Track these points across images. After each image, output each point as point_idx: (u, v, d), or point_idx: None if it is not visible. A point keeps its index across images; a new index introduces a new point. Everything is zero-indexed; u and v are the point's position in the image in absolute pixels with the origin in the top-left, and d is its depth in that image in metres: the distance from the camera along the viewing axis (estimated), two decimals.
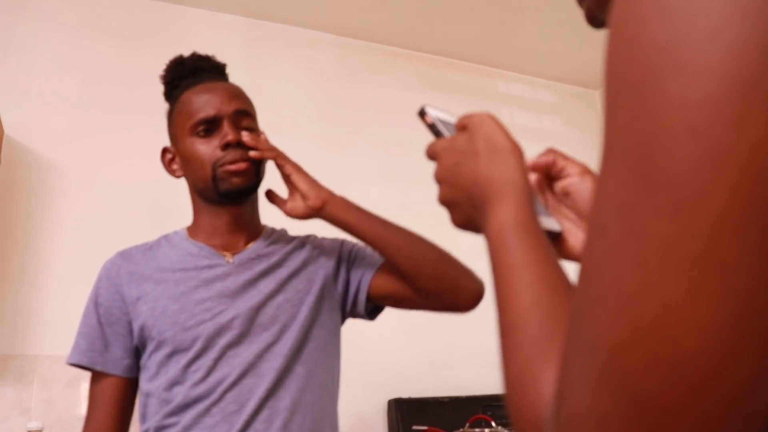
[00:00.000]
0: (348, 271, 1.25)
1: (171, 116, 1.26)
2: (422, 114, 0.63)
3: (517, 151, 0.51)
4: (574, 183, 0.61)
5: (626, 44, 0.27)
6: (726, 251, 0.23)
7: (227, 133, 1.14)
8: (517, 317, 0.39)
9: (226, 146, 1.14)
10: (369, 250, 1.27)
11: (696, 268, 0.24)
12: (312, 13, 2.74)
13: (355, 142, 2.74)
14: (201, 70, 1.25)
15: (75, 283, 2.12)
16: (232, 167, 1.14)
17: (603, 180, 0.28)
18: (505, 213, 0.46)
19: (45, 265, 2.11)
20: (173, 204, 2.29)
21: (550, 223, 0.57)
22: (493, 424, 2.07)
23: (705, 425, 0.24)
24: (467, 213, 0.53)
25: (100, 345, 1.15)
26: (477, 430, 2.02)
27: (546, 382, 0.35)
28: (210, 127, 1.17)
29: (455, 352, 2.54)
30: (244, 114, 1.20)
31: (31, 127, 2.22)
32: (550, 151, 0.63)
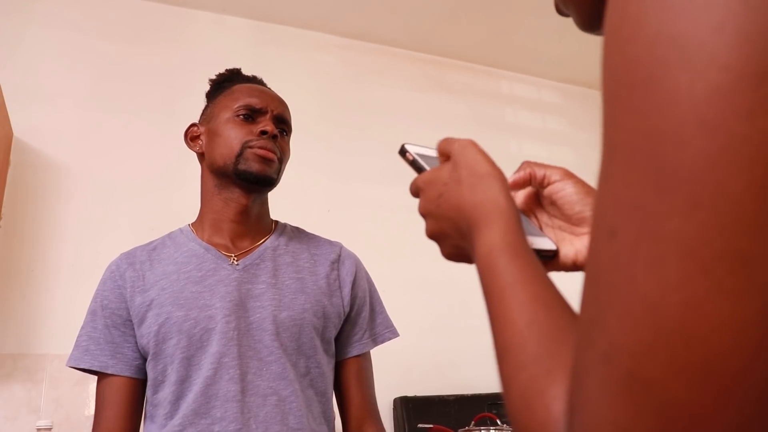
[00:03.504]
0: (348, 317, 1.26)
1: (215, 99, 1.28)
2: (403, 152, 0.64)
3: (500, 176, 0.51)
4: (557, 188, 0.60)
5: (626, 40, 0.27)
6: (748, 246, 0.23)
7: (268, 123, 1.19)
8: (515, 337, 0.38)
9: (262, 133, 1.18)
10: (378, 309, 1.32)
11: (718, 266, 0.23)
12: (318, 16, 2.76)
13: (361, 142, 2.76)
14: (255, 80, 1.31)
15: (82, 283, 2.13)
16: (261, 151, 1.17)
17: (607, 181, 0.27)
18: (492, 236, 0.45)
19: (53, 265, 2.13)
20: (181, 205, 2.31)
21: (544, 242, 0.57)
22: (499, 422, 2.07)
23: (738, 427, 0.23)
24: (456, 243, 0.52)
25: (110, 348, 1.15)
26: (482, 428, 2.03)
27: (554, 399, 0.33)
28: (252, 115, 1.21)
29: (461, 351, 2.55)
30: (284, 122, 1.25)
31: (40, 129, 2.23)
32: (525, 163, 0.62)
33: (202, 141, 1.25)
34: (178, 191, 2.27)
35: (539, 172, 0.61)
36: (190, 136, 1.29)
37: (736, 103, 0.23)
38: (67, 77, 2.34)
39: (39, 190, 2.19)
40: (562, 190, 0.60)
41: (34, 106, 2.24)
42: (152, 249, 1.23)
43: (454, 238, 0.52)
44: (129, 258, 1.21)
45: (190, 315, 1.11)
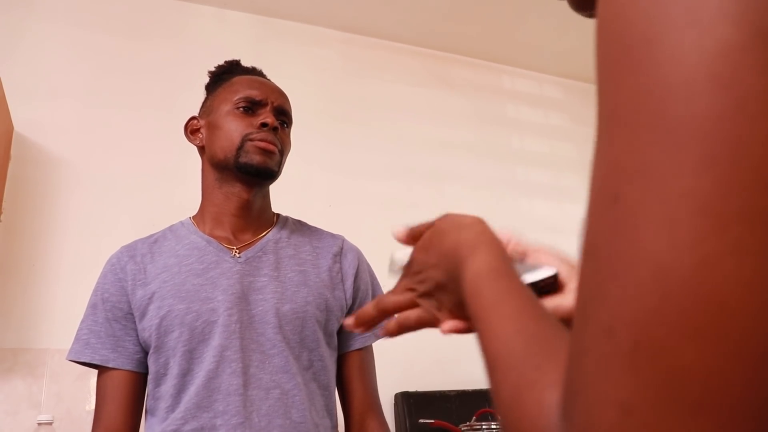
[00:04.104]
0: (350, 310, 1.25)
1: (214, 91, 1.27)
2: (393, 265, 0.65)
3: (483, 221, 0.52)
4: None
5: (623, 4, 0.26)
6: None
7: (268, 116, 1.18)
8: (502, 347, 0.37)
9: (262, 126, 1.17)
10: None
11: (738, 223, 0.22)
12: (319, 10, 2.75)
13: (362, 138, 2.75)
14: (254, 72, 1.30)
15: (83, 278, 2.13)
16: (262, 144, 1.17)
17: (607, 146, 0.26)
18: (478, 263, 0.46)
19: (54, 260, 2.13)
20: (182, 199, 2.30)
21: (541, 273, 0.56)
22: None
23: (753, 393, 0.22)
24: (452, 290, 0.51)
25: (111, 341, 1.14)
26: (483, 423, 2.03)
27: (546, 388, 0.31)
28: (252, 107, 1.20)
29: (462, 347, 2.54)
30: (285, 114, 1.25)
31: (41, 124, 2.23)
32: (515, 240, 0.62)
33: (203, 134, 1.25)
34: (180, 186, 2.27)
35: (521, 248, 0.60)
36: (190, 129, 1.28)
37: (751, 58, 0.22)
38: (67, 72, 2.33)
39: (40, 185, 2.19)
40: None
41: (34, 100, 2.24)
42: (153, 242, 1.23)
43: (449, 285, 0.52)
44: (130, 251, 1.21)
45: (192, 308, 1.11)
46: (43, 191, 2.19)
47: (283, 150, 1.21)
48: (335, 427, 1.20)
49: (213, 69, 1.33)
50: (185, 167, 2.28)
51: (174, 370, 1.10)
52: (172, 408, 1.08)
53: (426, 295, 0.56)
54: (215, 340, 1.09)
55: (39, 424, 1.78)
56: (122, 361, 1.14)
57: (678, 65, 0.23)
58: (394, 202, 2.67)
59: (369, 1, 2.71)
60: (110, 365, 1.14)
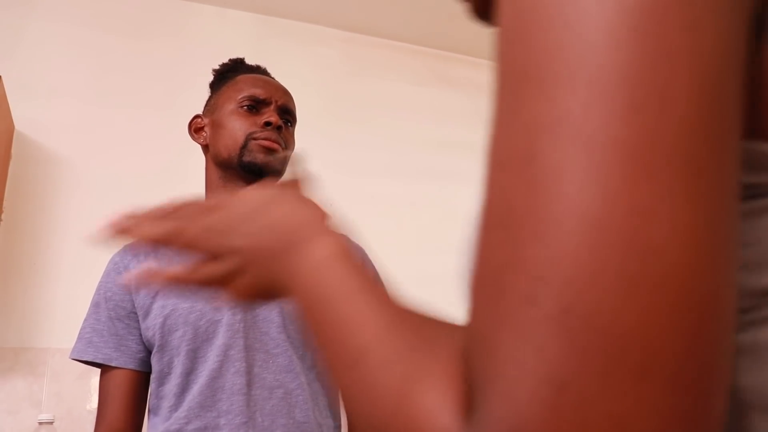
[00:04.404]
0: None
1: (219, 90, 1.27)
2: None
3: (321, 207, 0.47)
4: None
5: None
6: (697, 150, 0.22)
7: (272, 114, 1.18)
8: (375, 336, 0.32)
9: (266, 124, 1.17)
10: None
11: (667, 169, 0.21)
12: (320, 9, 2.74)
13: (363, 137, 2.75)
14: (259, 70, 1.30)
15: (84, 277, 2.13)
16: (266, 142, 1.16)
17: (517, 108, 0.24)
18: (327, 246, 0.40)
19: (54, 259, 2.12)
20: (182, 197, 2.30)
21: None
22: None
23: (705, 354, 0.21)
24: (264, 270, 0.44)
25: (114, 340, 1.14)
26: None
27: (438, 385, 0.27)
28: (256, 106, 1.20)
29: None
30: (289, 112, 1.25)
31: (41, 123, 2.23)
32: None
33: (206, 133, 1.25)
34: (181, 185, 2.26)
35: None
36: (194, 128, 1.28)
37: (675, 16, 0.22)
38: (68, 70, 2.33)
39: (41, 184, 2.18)
40: None
41: (35, 99, 2.24)
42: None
43: (262, 265, 0.44)
44: (132, 249, 1.19)
45: (195, 306, 1.10)
46: (44, 190, 2.18)
47: (287, 149, 1.21)
48: (339, 427, 1.19)
49: (217, 67, 1.33)
50: (186, 166, 2.28)
51: (178, 369, 1.09)
52: (176, 407, 1.08)
53: (221, 254, 0.47)
54: (219, 339, 1.09)
55: (40, 423, 1.78)
56: (125, 360, 1.14)
57: (597, 19, 0.23)
58: (396, 201, 2.66)
59: (371, 1, 2.71)
60: (113, 364, 1.13)
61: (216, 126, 1.22)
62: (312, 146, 2.91)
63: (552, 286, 0.22)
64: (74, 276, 2.12)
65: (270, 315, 1.13)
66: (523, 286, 0.22)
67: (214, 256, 0.47)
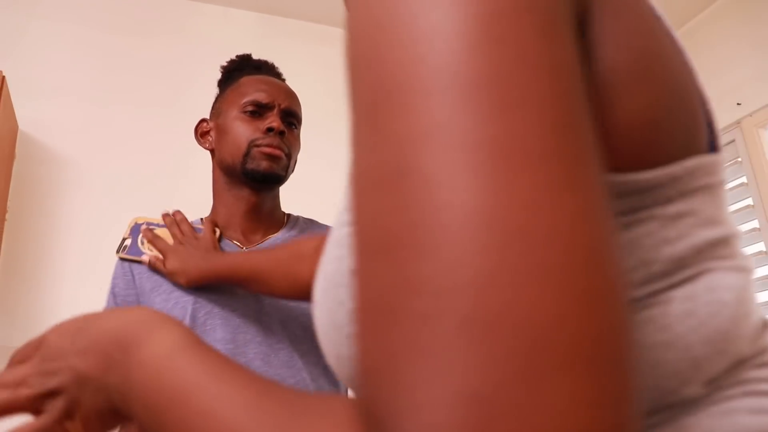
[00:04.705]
0: None
1: (223, 93, 1.27)
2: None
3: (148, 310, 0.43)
4: None
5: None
6: (567, 143, 0.22)
7: (274, 120, 1.17)
8: (237, 427, 0.29)
9: (268, 130, 1.16)
10: None
11: (545, 161, 0.22)
12: (324, 8, 2.74)
13: None
14: (265, 68, 1.30)
15: (88, 277, 2.13)
16: (267, 149, 1.16)
17: (375, 127, 0.24)
18: (165, 338, 0.36)
19: (58, 258, 2.13)
20: (186, 198, 2.30)
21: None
22: None
23: (612, 333, 0.20)
24: (98, 388, 0.39)
25: None
26: None
27: None
28: (259, 111, 1.19)
29: None
30: (293, 115, 1.24)
31: (45, 122, 2.23)
32: None
33: (212, 137, 1.25)
34: (184, 184, 2.26)
35: None
36: (200, 132, 1.28)
37: (526, 22, 0.23)
38: (72, 70, 2.33)
39: (44, 184, 2.19)
40: None
41: (39, 99, 2.24)
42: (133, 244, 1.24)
43: (93, 384, 0.39)
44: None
45: (198, 300, 1.10)
46: (48, 190, 2.18)
47: (290, 153, 1.21)
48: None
49: (225, 64, 1.32)
50: (190, 165, 2.28)
51: None
52: None
53: (52, 394, 0.42)
54: (218, 334, 1.09)
55: None
56: None
57: (452, 30, 0.23)
58: None
59: None
60: None
61: (220, 131, 1.22)
62: (316, 146, 2.91)
63: (447, 297, 0.20)
64: (78, 275, 2.12)
65: (272, 311, 1.13)
66: (417, 305, 0.21)
67: (54, 395, 0.42)
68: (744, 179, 2.41)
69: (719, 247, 0.32)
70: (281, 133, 1.18)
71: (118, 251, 1.20)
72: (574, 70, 0.24)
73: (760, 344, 0.33)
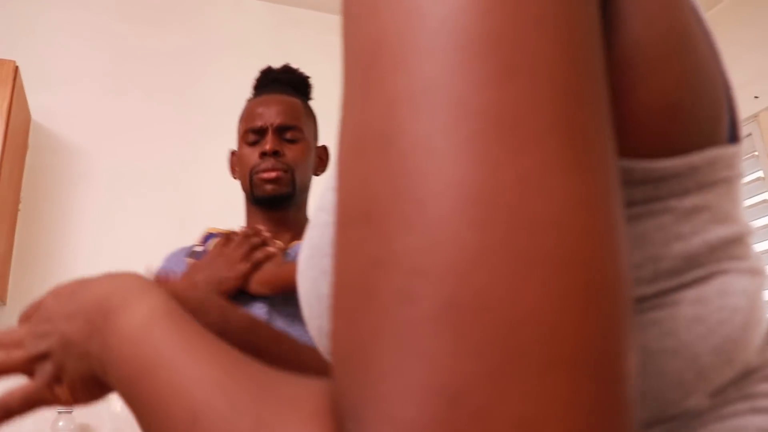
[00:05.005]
0: None
1: (240, 119, 1.33)
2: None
3: (140, 275, 0.42)
4: None
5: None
6: (578, 115, 0.20)
7: (266, 142, 1.21)
8: (206, 399, 0.27)
9: (263, 155, 1.20)
10: None
11: (553, 134, 0.19)
12: None
13: None
14: (276, 82, 1.31)
15: (100, 267, 2.13)
16: (264, 175, 1.20)
17: (365, 87, 0.22)
18: (144, 308, 0.35)
19: (71, 249, 2.13)
20: (198, 189, 2.30)
21: None
22: None
23: (607, 333, 0.19)
24: (82, 354, 0.38)
25: None
26: None
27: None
28: (258, 137, 1.24)
29: None
30: (288, 128, 1.25)
31: (58, 113, 2.23)
32: None
33: (237, 167, 1.31)
34: (196, 174, 2.26)
35: None
36: (231, 166, 1.35)
37: None
38: (84, 60, 2.33)
39: (57, 174, 2.19)
40: None
41: (51, 89, 2.24)
42: (203, 251, 1.28)
43: (77, 349, 0.38)
44: (184, 250, 1.29)
45: (273, 307, 1.14)
46: (61, 180, 2.19)
47: (292, 167, 1.23)
48: None
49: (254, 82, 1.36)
50: (202, 155, 2.27)
51: None
52: None
53: (43, 356, 0.42)
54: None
55: (59, 412, 1.79)
56: None
57: None
58: None
59: None
60: None
61: (238, 162, 1.29)
62: (331, 137, 2.89)
63: (430, 277, 0.18)
64: (91, 266, 2.12)
65: (295, 311, 1.14)
66: (397, 283, 0.19)
67: (43, 358, 0.43)
68: (761, 173, 2.38)
69: (733, 246, 0.30)
70: (275, 153, 1.19)
71: (188, 256, 1.23)
72: (594, 37, 0.22)
73: (767, 355, 0.31)
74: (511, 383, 0.17)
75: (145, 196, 2.26)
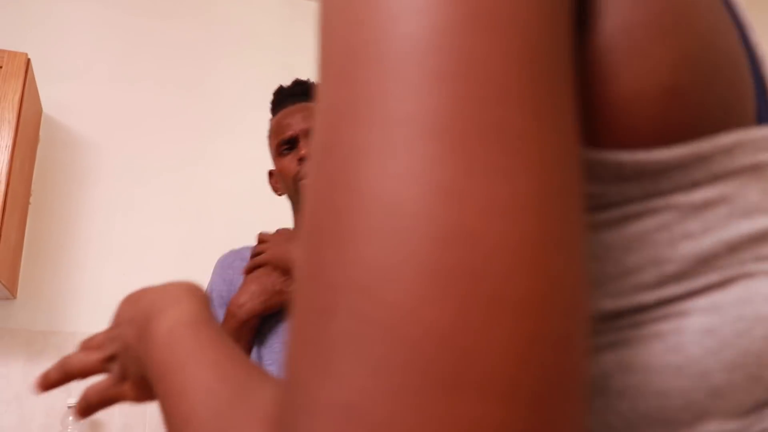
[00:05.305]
0: None
1: (268, 138, 1.39)
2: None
3: (193, 283, 0.45)
4: None
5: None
6: (513, 118, 0.19)
7: (301, 148, 1.26)
8: (197, 402, 0.30)
9: (300, 161, 1.25)
10: None
11: (482, 141, 0.18)
12: None
13: None
14: (293, 96, 1.35)
15: (111, 260, 2.13)
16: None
17: (319, 99, 0.22)
18: (172, 316, 0.38)
19: (82, 242, 2.12)
20: (209, 182, 2.29)
21: None
22: None
23: (535, 360, 0.17)
24: (136, 355, 0.42)
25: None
26: None
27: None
28: (290, 146, 1.29)
29: None
30: None
31: (69, 106, 2.22)
32: None
33: (280, 183, 1.35)
34: (208, 167, 2.25)
35: None
36: (272, 186, 1.40)
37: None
38: (96, 52, 2.32)
39: (68, 167, 2.18)
40: None
41: (62, 82, 2.23)
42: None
43: (133, 351, 0.42)
44: (237, 253, 1.35)
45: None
46: (72, 173, 2.18)
47: None
48: None
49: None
50: (213, 149, 2.26)
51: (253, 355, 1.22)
52: None
53: (113, 358, 0.46)
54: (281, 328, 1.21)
55: (69, 407, 1.79)
56: None
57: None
58: None
59: None
60: None
61: (278, 176, 1.33)
62: None
63: (345, 293, 0.18)
64: (101, 259, 2.12)
65: None
66: (319, 298, 0.19)
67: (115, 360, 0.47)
68: None
69: (763, 244, 0.26)
70: None
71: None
72: (552, 32, 0.21)
73: None
74: (412, 402, 0.16)
75: (156, 190, 2.25)
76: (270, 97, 1.36)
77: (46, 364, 1.97)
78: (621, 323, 0.24)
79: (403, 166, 0.18)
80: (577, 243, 0.19)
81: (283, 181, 1.30)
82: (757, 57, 0.28)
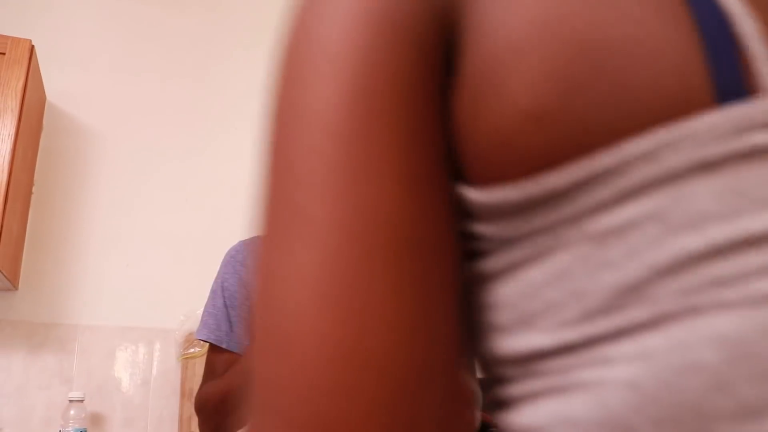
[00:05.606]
0: None
1: None
2: None
3: None
4: None
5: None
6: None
7: None
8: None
9: None
10: None
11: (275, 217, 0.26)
12: None
13: None
14: None
15: (114, 253, 2.10)
16: None
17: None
18: None
19: (85, 232, 2.10)
20: (213, 173, 2.26)
21: None
22: None
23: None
24: None
25: (227, 326, 1.25)
26: None
27: None
28: None
29: None
30: None
31: (73, 94, 2.19)
32: None
33: None
34: (212, 158, 2.22)
35: None
36: None
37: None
38: (101, 41, 2.29)
39: (71, 157, 2.15)
40: None
41: (67, 70, 2.20)
42: None
43: None
44: (248, 244, 1.32)
45: None
46: (75, 162, 2.15)
47: None
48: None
49: None
50: (218, 140, 2.23)
51: None
52: None
53: None
54: None
55: (70, 401, 1.76)
56: (233, 344, 1.23)
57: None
58: None
59: None
60: (223, 346, 1.23)
61: None
62: None
63: (270, 392, 0.23)
64: (104, 250, 2.09)
65: None
66: (259, 396, 0.24)
67: None
68: None
69: (718, 263, 0.21)
70: None
71: None
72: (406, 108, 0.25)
73: None
74: None
75: (160, 180, 2.22)
76: None
77: (48, 356, 1.94)
78: (552, 366, 0.23)
79: (263, 246, 0.26)
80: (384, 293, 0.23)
81: None
82: (726, 17, 0.23)
